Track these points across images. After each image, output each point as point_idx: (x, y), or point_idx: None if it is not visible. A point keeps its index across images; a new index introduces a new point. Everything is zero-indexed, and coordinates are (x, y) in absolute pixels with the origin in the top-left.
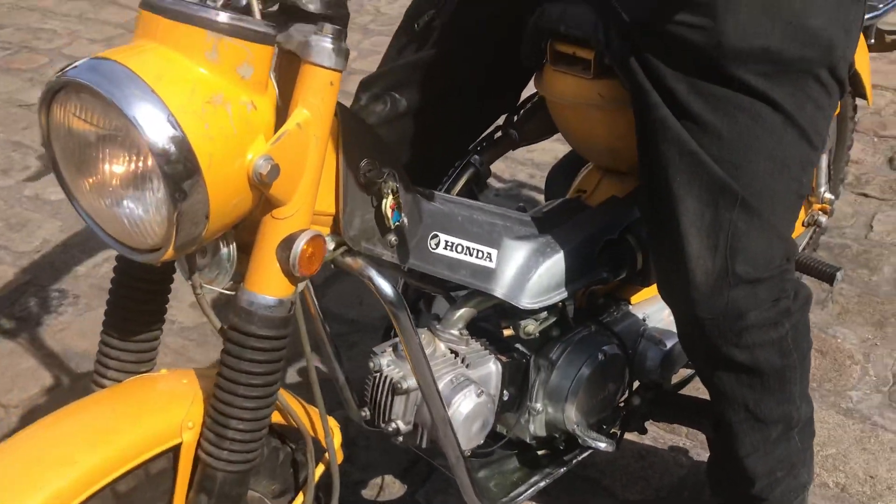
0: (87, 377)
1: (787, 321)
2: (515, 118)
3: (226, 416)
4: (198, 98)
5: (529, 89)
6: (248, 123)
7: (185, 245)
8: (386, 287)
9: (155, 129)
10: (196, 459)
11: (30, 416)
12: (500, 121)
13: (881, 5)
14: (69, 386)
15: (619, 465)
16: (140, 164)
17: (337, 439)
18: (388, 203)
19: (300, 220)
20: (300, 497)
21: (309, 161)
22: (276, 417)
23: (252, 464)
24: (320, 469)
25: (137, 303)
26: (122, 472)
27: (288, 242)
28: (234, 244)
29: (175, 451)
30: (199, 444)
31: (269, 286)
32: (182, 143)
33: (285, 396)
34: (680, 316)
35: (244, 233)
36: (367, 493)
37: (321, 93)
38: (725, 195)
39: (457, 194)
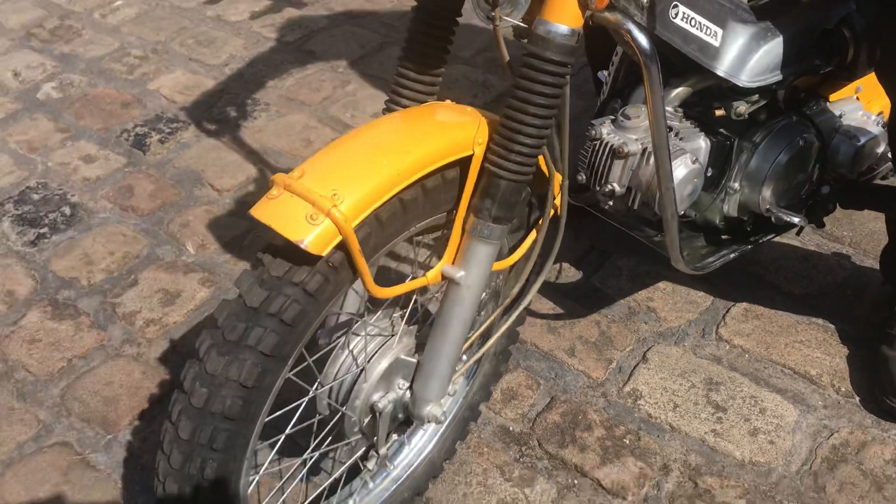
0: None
1: None
2: None
3: (515, 131)
4: None
5: None
6: None
7: None
8: (643, 40)
9: None
10: (481, 172)
11: (241, 199)
12: None
13: None
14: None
15: (782, 264)
16: None
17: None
18: None
19: None
20: (532, 234)
21: None
22: None
23: (529, 177)
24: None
25: (432, 38)
26: (433, 168)
27: None
28: None
29: (465, 162)
30: (485, 158)
31: (564, 16)
32: None
33: None
34: None
35: None
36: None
37: None
38: None
39: None
